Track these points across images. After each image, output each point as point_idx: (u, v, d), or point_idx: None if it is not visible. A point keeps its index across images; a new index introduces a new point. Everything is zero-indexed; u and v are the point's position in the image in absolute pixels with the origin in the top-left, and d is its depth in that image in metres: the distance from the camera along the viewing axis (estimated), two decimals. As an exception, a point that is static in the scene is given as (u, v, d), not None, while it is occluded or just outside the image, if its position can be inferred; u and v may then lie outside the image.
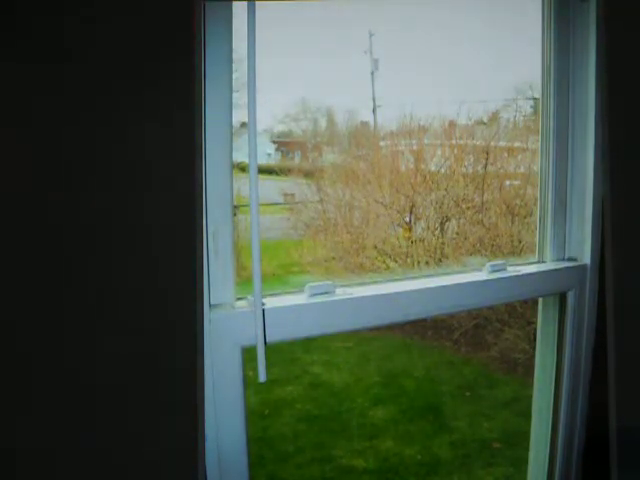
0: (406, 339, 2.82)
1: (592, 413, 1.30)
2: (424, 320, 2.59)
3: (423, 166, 2.54)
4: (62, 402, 0.68)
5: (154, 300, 0.70)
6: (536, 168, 1.34)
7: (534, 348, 1.38)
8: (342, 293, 1.03)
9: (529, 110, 2.55)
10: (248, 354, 0.92)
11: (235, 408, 0.92)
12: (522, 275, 1.23)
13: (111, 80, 0.68)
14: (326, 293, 1.01)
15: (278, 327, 0.94)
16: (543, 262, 1.31)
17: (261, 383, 0.92)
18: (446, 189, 2.50)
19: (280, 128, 2.57)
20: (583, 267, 1.27)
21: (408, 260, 2.51)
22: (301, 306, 0.98)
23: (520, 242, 2.48)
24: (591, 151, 1.23)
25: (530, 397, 1.38)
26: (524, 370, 2.61)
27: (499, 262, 1.22)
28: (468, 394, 2.70)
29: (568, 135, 1.26)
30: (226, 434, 0.91)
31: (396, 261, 2.55)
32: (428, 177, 2.51)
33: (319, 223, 2.56)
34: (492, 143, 2.57)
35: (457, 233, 2.59)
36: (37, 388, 0.67)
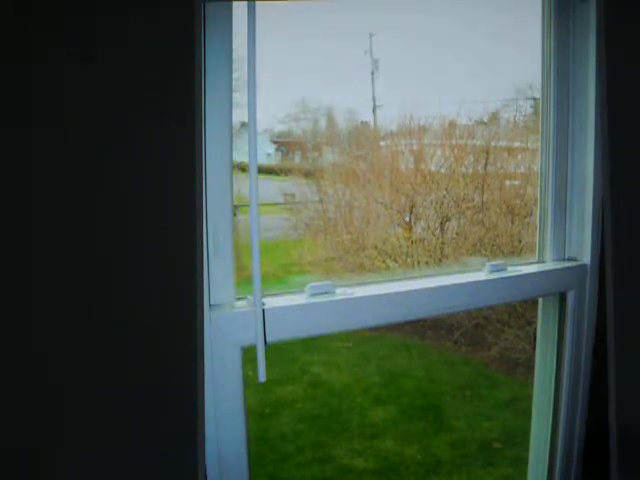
0: (406, 339, 2.82)
1: (592, 413, 1.30)
2: (424, 320, 2.59)
3: (423, 166, 2.54)
4: (62, 402, 0.68)
5: (154, 300, 0.70)
6: (536, 168, 1.34)
7: (534, 348, 1.38)
8: (342, 293, 1.03)
9: (529, 110, 2.55)
10: (248, 354, 0.92)
11: (235, 408, 0.92)
12: (522, 275, 1.23)
13: (111, 80, 0.68)
14: (326, 293, 1.01)
15: (278, 327, 0.94)
16: (543, 262, 1.31)
17: (261, 383, 0.92)
18: (446, 189, 2.50)
19: (280, 128, 2.57)
20: (583, 267, 1.27)
21: (408, 260, 2.51)
22: (301, 306, 0.98)
23: (520, 242, 2.48)
24: (591, 151, 1.24)
25: (530, 397, 1.38)
26: (524, 370, 2.61)
27: (499, 262, 1.22)
28: (468, 394, 2.70)
29: (568, 135, 1.27)
30: (226, 434, 0.91)
31: (396, 261, 2.55)
32: (428, 177, 2.51)
33: (319, 223, 2.56)
34: (492, 143, 2.57)
35: (457, 233, 2.59)
36: (36, 388, 0.67)
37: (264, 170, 2.40)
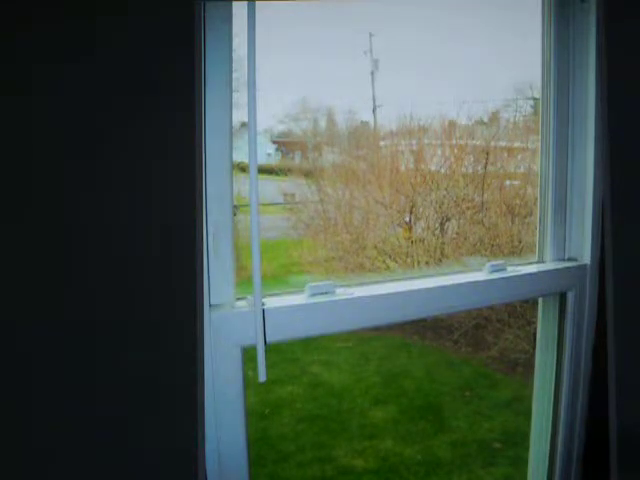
0: (406, 339, 2.82)
1: (592, 413, 1.30)
2: (424, 320, 2.59)
3: (423, 166, 2.55)
4: (62, 402, 0.68)
5: (154, 300, 0.70)
6: (536, 168, 1.34)
7: (534, 348, 1.38)
8: (342, 293, 1.03)
9: (529, 110, 2.55)
10: (248, 354, 0.92)
11: (235, 408, 0.92)
12: (522, 275, 1.23)
13: (111, 80, 0.68)
14: (326, 293, 1.01)
15: (278, 327, 0.93)
16: (543, 262, 1.30)
17: (261, 383, 0.92)
18: (446, 189, 2.51)
19: (280, 128, 2.58)
20: (583, 267, 1.27)
21: (408, 260, 2.51)
22: (301, 306, 0.98)
23: (520, 242, 2.49)
24: (591, 151, 1.23)
25: (530, 397, 1.38)
26: (524, 370, 2.61)
27: (499, 262, 1.22)
28: (468, 394, 2.70)
29: (568, 135, 1.26)
30: (226, 434, 0.91)
31: (396, 261, 2.55)
32: (428, 177, 2.52)
33: (319, 223, 2.57)
34: (492, 143, 2.57)
35: (457, 233, 2.59)
36: (37, 388, 0.67)
37: (264, 170, 2.41)
